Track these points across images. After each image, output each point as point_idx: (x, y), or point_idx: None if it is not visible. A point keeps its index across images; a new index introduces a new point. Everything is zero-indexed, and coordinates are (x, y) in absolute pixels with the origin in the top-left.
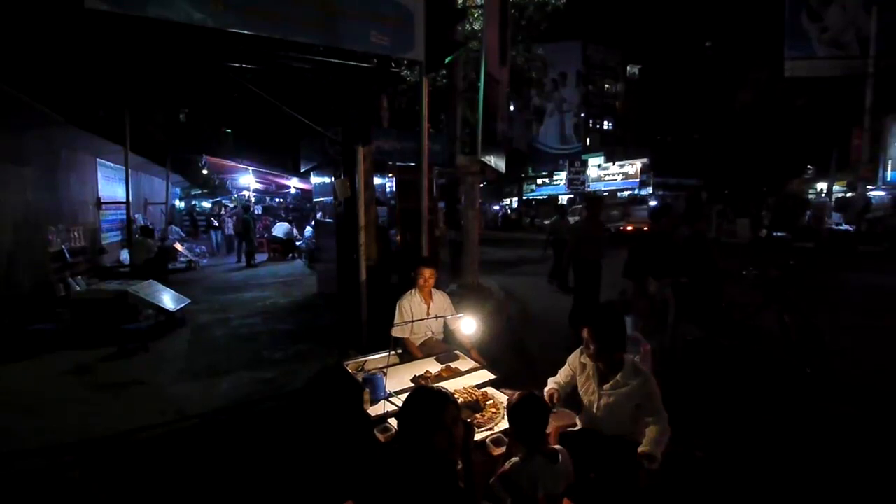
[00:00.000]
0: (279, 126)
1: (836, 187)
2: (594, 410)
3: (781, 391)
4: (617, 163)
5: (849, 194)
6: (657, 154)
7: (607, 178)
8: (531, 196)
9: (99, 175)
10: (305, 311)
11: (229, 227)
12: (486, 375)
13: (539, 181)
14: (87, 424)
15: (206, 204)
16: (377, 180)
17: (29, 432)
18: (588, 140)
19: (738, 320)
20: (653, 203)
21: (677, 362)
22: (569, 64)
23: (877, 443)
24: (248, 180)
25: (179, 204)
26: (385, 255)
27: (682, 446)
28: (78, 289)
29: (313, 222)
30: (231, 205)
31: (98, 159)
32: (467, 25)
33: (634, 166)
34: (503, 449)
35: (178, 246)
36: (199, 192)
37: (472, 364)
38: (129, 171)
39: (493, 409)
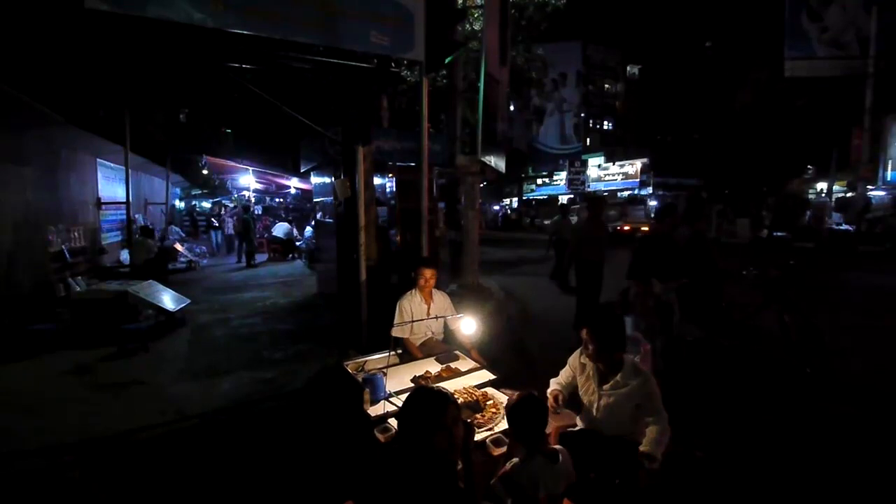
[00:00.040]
0: (279, 126)
1: (836, 187)
2: (594, 411)
3: (781, 391)
4: (617, 163)
5: (849, 194)
6: (657, 154)
7: (607, 178)
8: (531, 196)
9: (99, 175)
10: (305, 311)
11: (229, 228)
12: (486, 375)
13: (539, 181)
14: (87, 424)
15: (206, 204)
16: (377, 180)
17: (29, 432)
18: (588, 140)
19: (738, 320)
20: (653, 203)
21: (679, 363)
22: (569, 64)
23: (877, 443)
24: (248, 180)
25: (179, 204)
26: (385, 255)
27: (682, 446)
28: (78, 289)
29: (313, 222)
30: (231, 205)
31: (98, 159)
32: (467, 25)
33: (634, 166)
34: (503, 449)
35: (178, 246)
36: (200, 192)
37: (472, 364)
38: (129, 171)
39: (494, 410)
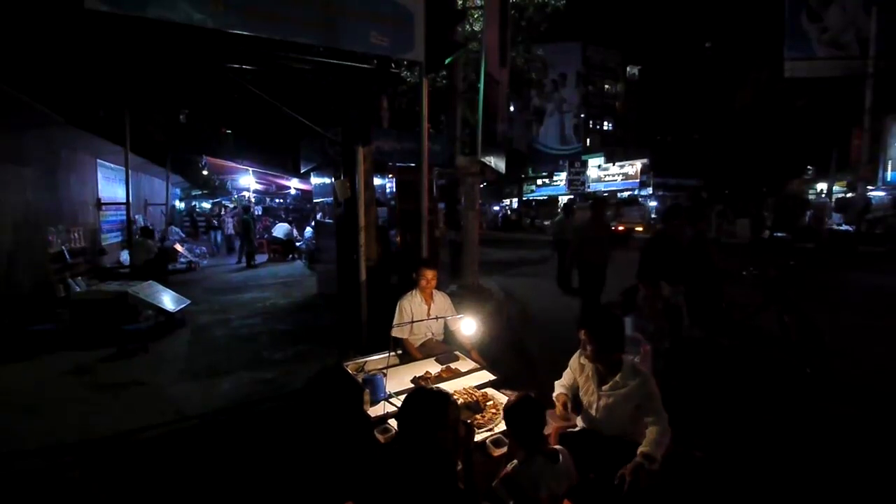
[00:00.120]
0: (279, 127)
1: (836, 188)
2: (593, 411)
3: (781, 391)
4: (617, 163)
5: (849, 195)
6: (657, 154)
7: (607, 178)
8: (531, 197)
9: (99, 176)
10: (305, 311)
11: (229, 228)
12: (486, 376)
13: (539, 182)
14: (87, 424)
15: (206, 205)
16: (377, 181)
17: (29, 432)
18: (588, 141)
19: (738, 320)
20: (653, 204)
21: (679, 363)
22: (569, 65)
23: (877, 443)
24: (248, 181)
25: (179, 205)
26: (385, 255)
27: (681, 446)
28: (78, 289)
29: (313, 223)
30: (231, 205)
31: (98, 160)
32: (467, 26)
33: (634, 167)
34: (503, 450)
35: (178, 247)
36: (200, 192)
37: (472, 365)
38: (129, 171)
39: (494, 410)
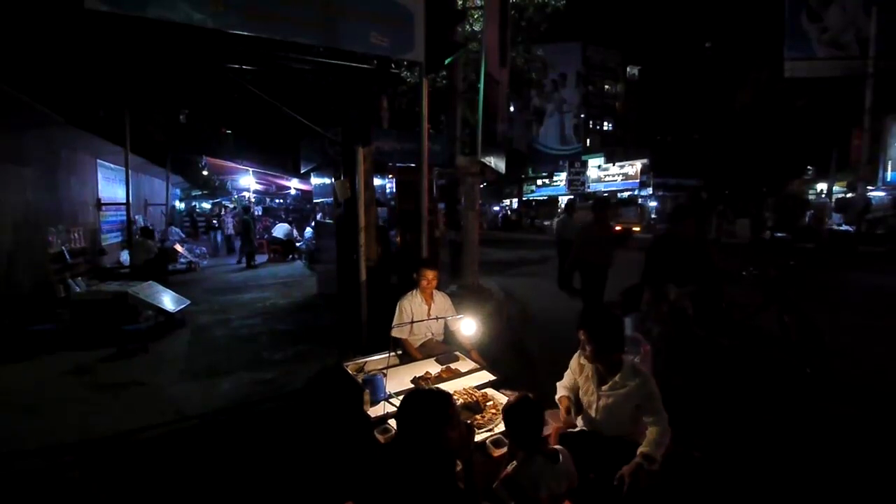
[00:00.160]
0: (279, 127)
1: (836, 188)
2: (593, 411)
3: (781, 391)
4: (617, 163)
5: (849, 195)
6: (657, 154)
7: (607, 178)
8: (531, 197)
9: (99, 176)
10: (305, 311)
11: (229, 228)
12: (486, 376)
13: (539, 182)
14: (87, 424)
15: (206, 205)
16: (377, 181)
17: (29, 432)
18: (588, 141)
19: (738, 320)
20: (653, 203)
21: (682, 364)
22: (569, 65)
23: (877, 443)
24: (248, 181)
25: (179, 205)
26: (385, 255)
27: (681, 446)
28: (78, 290)
29: (313, 223)
30: (231, 206)
31: (98, 160)
32: (467, 26)
33: (634, 167)
34: (503, 450)
35: (178, 247)
36: (200, 193)
37: (472, 365)
38: (130, 171)
39: (494, 411)
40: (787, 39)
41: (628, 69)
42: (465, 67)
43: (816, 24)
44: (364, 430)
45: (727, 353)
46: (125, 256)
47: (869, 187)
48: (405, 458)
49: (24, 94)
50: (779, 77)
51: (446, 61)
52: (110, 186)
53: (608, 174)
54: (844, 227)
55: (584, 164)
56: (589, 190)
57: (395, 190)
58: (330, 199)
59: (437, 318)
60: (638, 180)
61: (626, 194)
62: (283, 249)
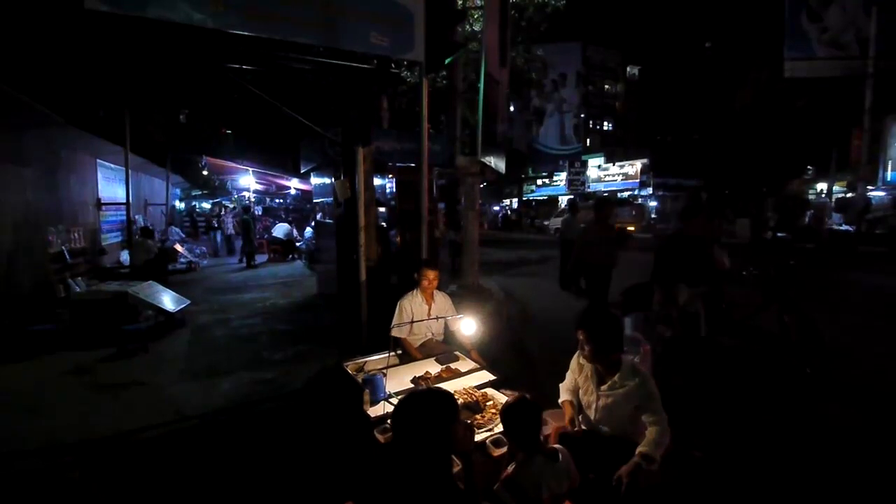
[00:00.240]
0: (279, 127)
1: (836, 188)
2: (593, 411)
3: (781, 391)
4: (617, 163)
5: (849, 195)
6: (657, 154)
7: (607, 178)
8: (531, 197)
9: (99, 176)
10: (305, 311)
11: (229, 228)
12: (486, 376)
13: (539, 182)
14: (87, 424)
15: (206, 205)
16: (377, 181)
17: (29, 432)
18: (588, 141)
19: (738, 320)
20: (653, 203)
21: (682, 364)
22: (569, 65)
23: (876, 443)
24: (248, 181)
25: (179, 205)
26: (385, 255)
27: (681, 446)
28: (78, 289)
29: (313, 223)
30: (231, 206)
31: (98, 160)
32: (467, 26)
33: (634, 167)
34: (503, 450)
35: (178, 247)
36: (200, 193)
37: (472, 365)
38: (129, 171)
39: (493, 410)
40: (787, 39)
41: (628, 69)
42: (465, 67)
43: (816, 24)
44: (364, 430)
45: (727, 353)
46: (125, 256)
47: (869, 187)
48: (405, 458)
49: (24, 94)
50: (779, 77)
51: (446, 61)
52: (110, 186)
53: (608, 174)
54: (844, 227)
55: (584, 164)
56: (589, 190)
57: (395, 190)
58: (330, 199)
59: (437, 318)
60: (638, 180)
61: (625, 194)
62: (283, 249)
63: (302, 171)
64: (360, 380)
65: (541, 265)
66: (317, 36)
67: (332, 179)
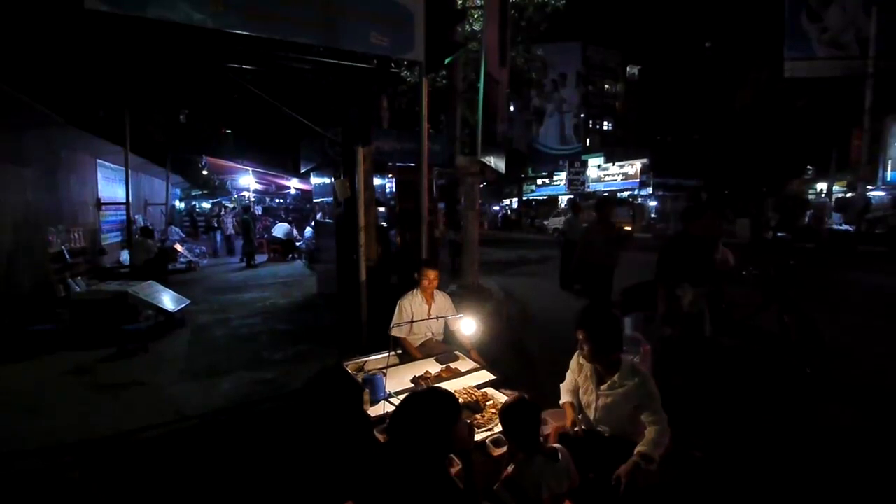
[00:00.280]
0: (279, 127)
1: (835, 188)
2: (592, 411)
3: (781, 391)
4: (617, 163)
5: (849, 195)
6: (657, 154)
7: (607, 178)
8: (531, 196)
9: (99, 176)
10: (305, 311)
11: (229, 228)
12: (486, 376)
13: (539, 182)
14: (87, 424)
15: (206, 205)
16: (377, 181)
17: (29, 432)
18: (588, 140)
19: (738, 320)
20: (653, 203)
21: (678, 363)
22: (568, 65)
23: (876, 443)
24: (247, 181)
25: (179, 205)
26: (385, 255)
27: (680, 446)
28: (78, 289)
29: (313, 223)
30: (231, 205)
31: (98, 160)
32: (467, 26)
33: (634, 167)
34: (503, 450)
35: (178, 247)
36: (199, 192)
37: (471, 364)
38: (129, 171)
39: (493, 410)
40: (787, 39)
41: (628, 69)
42: (465, 67)
43: (816, 24)
44: (364, 430)
45: (727, 353)
46: (125, 256)
47: (869, 187)
48: (406, 457)
49: (24, 94)
50: (779, 77)
51: (446, 61)
52: (110, 186)
53: (608, 174)
54: (844, 227)
55: (584, 164)
56: (589, 189)
57: (395, 190)
58: (330, 199)
59: (437, 318)
60: (638, 180)
61: (625, 194)
62: (283, 249)
63: (302, 171)
64: (360, 379)
65: (541, 265)
66: (317, 36)
67: (332, 179)
